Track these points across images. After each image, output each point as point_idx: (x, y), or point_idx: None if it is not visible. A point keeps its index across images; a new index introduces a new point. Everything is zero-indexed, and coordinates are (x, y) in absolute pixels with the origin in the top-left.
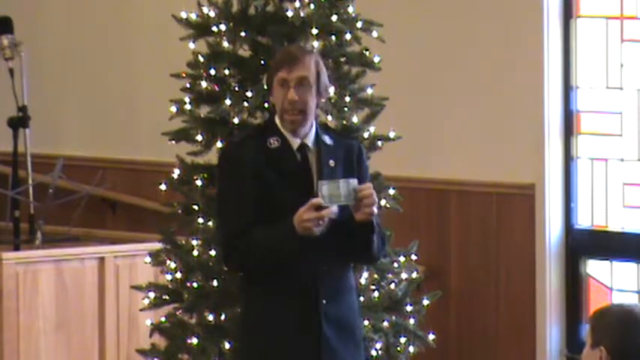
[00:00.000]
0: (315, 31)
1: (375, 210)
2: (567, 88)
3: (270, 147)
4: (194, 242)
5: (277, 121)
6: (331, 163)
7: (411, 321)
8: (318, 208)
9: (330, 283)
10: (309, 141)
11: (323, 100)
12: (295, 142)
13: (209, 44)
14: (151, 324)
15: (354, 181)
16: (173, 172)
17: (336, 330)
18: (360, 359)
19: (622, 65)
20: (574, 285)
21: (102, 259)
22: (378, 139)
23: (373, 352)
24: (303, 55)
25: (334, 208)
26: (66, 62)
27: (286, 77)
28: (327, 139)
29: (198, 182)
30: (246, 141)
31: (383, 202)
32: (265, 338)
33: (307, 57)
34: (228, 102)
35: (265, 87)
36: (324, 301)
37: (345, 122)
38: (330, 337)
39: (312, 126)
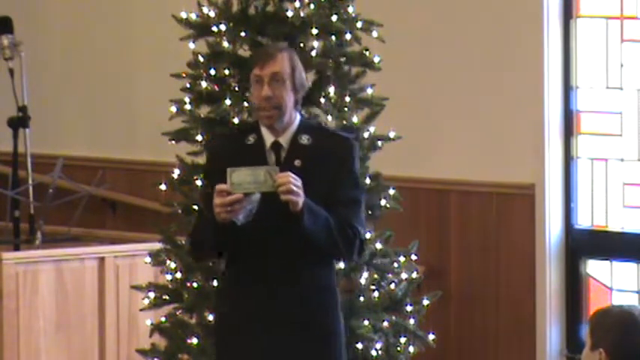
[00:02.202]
0: (315, 31)
1: (295, 198)
2: (567, 88)
3: (247, 144)
4: None
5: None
6: (297, 163)
7: (411, 321)
8: (228, 194)
9: (289, 279)
10: (285, 139)
11: (300, 97)
12: (269, 141)
13: (209, 44)
14: (151, 324)
15: (270, 169)
16: (173, 172)
17: (291, 328)
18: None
19: (622, 65)
20: (574, 285)
21: (102, 259)
22: (378, 139)
23: (373, 352)
24: (275, 52)
25: (255, 196)
26: (66, 62)
27: (260, 74)
28: (304, 139)
29: (198, 182)
30: (225, 137)
31: (383, 202)
32: (222, 327)
33: (280, 53)
34: (228, 102)
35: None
36: (277, 297)
37: (345, 122)
38: (279, 334)
39: (291, 123)
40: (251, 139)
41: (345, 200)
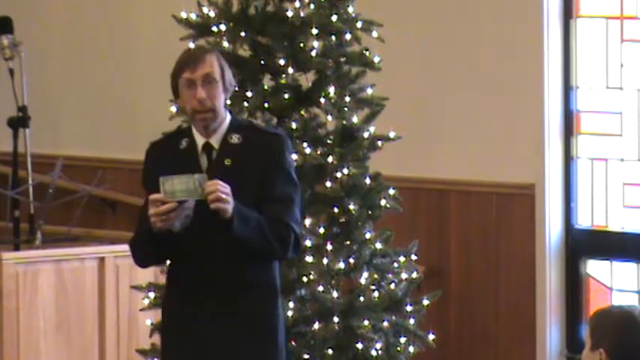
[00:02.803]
0: (315, 31)
1: (224, 206)
2: (567, 88)
3: (180, 148)
4: None
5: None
6: (227, 162)
7: (411, 321)
8: (162, 203)
9: (227, 279)
10: (215, 140)
11: (228, 96)
12: (201, 143)
13: (209, 44)
14: (151, 324)
15: (200, 177)
16: None
17: (225, 329)
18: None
19: (622, 65)
20: (574, 285)
21: (102, 259)
22: (378, 139)
23: (373, 352)
24: (204, 54)
25: (189, 203)
26: (66, 62)
27: (191, 77)
28: (235, 138)
29: None
30: (160, 143)
31: (383, 202)
32: (163, 328)
33: (208, 55)
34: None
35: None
36: (211, 299)
37: (345, 122)
38: (212, 335)
39: (221, 124)
40: (184, 143)
41: (278, 197)
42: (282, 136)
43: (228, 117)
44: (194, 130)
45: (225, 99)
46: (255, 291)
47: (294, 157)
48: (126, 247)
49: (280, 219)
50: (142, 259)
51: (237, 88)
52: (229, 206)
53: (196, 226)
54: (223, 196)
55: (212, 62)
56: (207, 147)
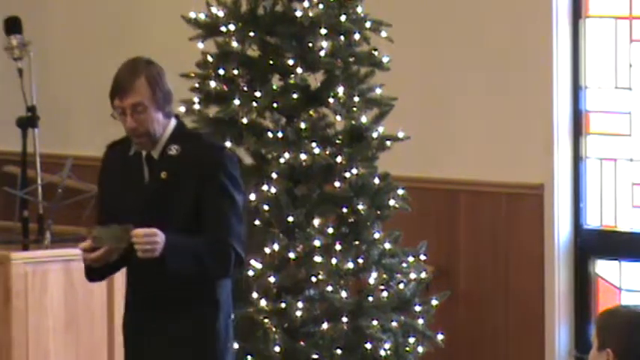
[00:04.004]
0: (323, 31)
1: (150, 255)
2: (576, 88)
3: (129, 155)
4: None
5: None
6: (163, 175)
7: (420, 321)
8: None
9: (164, 294)
10: (156, 151)
11: (168, 106)
12: (144, 153)
13: (218, 44)
14: None
15: (126, 227)
16: None
17: (162, 342)
18: None
19: (631, 65)
20: (583, 285)
21: None
22: (387, 139)
23: (382, 352)
24: (132, 80)
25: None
26: (75, 62)
27: (120, 105)
28: (173, 149)
29: None
30: (115, 146)
31: (392, 203)
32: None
33: (137, 80)
34: (237, 102)
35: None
36: (152, 310)
37: (353, 122)
38: (151, 347)
39: (162, 136)
40: (132, 150)
41: (216, 214)
42: (222, 149)
43: (172, 125)
44: None
45: (165, 112)
46: (195, 305)
47: (304, 156)
48: None
49: (219, 239)
50: (92, 279)
51: (245, 88)
52: (157, 252)
53: (133, 252)
54: (148, 246)
55: (140, 89)
56: (149, 158)
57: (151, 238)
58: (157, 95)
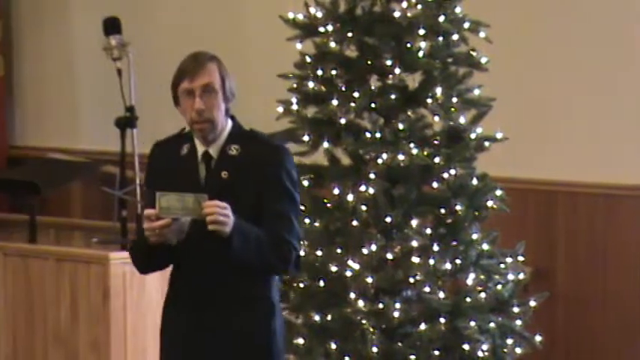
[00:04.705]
0: (422, 31)
1: (221, 228)
2: None
3: (181, 154)
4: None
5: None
6: (224, 174)
7: (518, 322)
8: (158, 218)
9: (220, 293)
10: (214, 150)
11: (230, 105)
12: (201, 151)
13: (316, 45)
14: None
15: (199, 196)
16: None
17: (218, 342)
18: None
19: None
20: None
21: None
22: (485, 140)
23: (479, 354)
24: (204, 62)
25: (185, 219)
26: (173, 62)
27: (190, 86)
28: (233, 149)
29: (305, 182)
30: (163, 145)
31: (490, 203)
32: (163, 339)
33: (209, 63)
34: (334, 102)
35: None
36: (206, 311)
37: (452, 123)
38: (205, 347)
39: (221, 133)
40: (185, 149)
41: (277, 213)
42: (283, 149)
43: (229, 125)
44: (195, 138)
45: (226, 108)
46: (251, 305)
47: (402, 157)
48: None
49: (281, 236)
50: (141, 266)
51: (343, 89)
52: (227, 227)
53: (194, 238)
54: (221, 218)
55: (212, 71)
56: (207, 156)
57: (225, 210)
58: (225, 85)
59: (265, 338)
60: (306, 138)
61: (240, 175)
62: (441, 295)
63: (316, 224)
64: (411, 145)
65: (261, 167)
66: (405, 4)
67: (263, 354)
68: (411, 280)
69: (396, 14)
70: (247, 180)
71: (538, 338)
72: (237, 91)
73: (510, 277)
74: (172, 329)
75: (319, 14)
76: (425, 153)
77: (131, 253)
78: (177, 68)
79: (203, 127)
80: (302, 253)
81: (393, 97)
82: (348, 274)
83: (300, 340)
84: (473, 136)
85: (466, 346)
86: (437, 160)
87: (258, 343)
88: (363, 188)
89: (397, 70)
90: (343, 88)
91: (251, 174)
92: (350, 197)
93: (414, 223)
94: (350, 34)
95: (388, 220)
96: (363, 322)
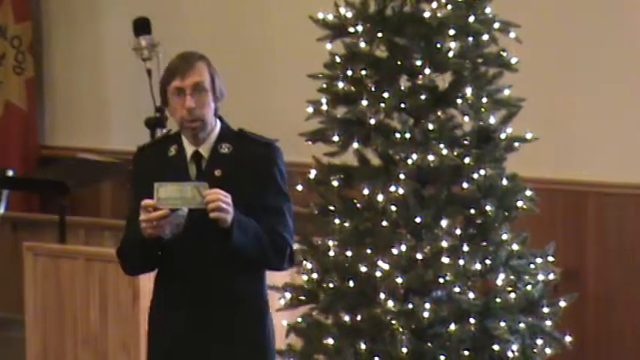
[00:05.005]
0: (452, 31)
1: (224, 215)
2: None
3: (169, 155)
4: (330, 243)
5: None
6: (217, 173)
7: (548, 322)
8: (154, 210)
9: (214, 290)
10: (205, 149)
11: (219, 104)
12: (190, 151)
13: (346, 45)
14: (288, 324)
15: (199, 185)
16: (309, 173)
17: (213, 341)
18: None
19: None
20: None
21: None
22: (515, 141)
23: (509, 354)
24: (194, 62)
25: (182, 211)
26: None
27: (181, 85)
28: (225, 148)
29: (335, 183)
30: (148, 148)
31: (519, 204)
32: (153, 340)
33: (199, 62)
34: (364, 103)
35: (162, 100)
36: (199, 308)
37: (482, 123)
38: (198, 346)
39: (211, 132)
40: (173, 150)
41: (271, 209)
42: (274, 147)
43: (219, 125)
44: (183, 138)
45: (216, 108)
46: (245, 304)
47: (432, 157)
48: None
49: (276, 231)
50: (129, 267)
51: (373, 89)
52: (230, 216)
53: (189, 233)
54: (224, 205)
55: (202, 70)
56: (197, 156)
57: (227, 199)
58: (215, 84)
59: (260, 337)
60: (335, 138)
61: (233, 173)
62: (471, 295)
63: (346, 224)
64: (441, 145)
65: (254, 164)
66: (434, 5)
67: (258, 352)
68: (441, 280)
69: (426, 14)
70: (241, 177)
71: (568, 339)
72: (263, 91)
73: (540, 277)
74: (165, 330)
75: (349, 14)
76: (455, 153)
77: (119, 254)
78: (165, 68)
79: (194, 126)
80: (295, 246)
81: (422, 97)
82: (378, 274)
83: (330, 341)
84: (503, 136)
85: (496, 347)
86: (467, 160)
87: (253, 341)
88: (392, 189)
89: (427, 71)
90: (373, 89)
91: (244, 172)
92: (380, 198)
93: (444, 223)
94: (380, 35)
95: (418, 220)
96: (393, 322)
